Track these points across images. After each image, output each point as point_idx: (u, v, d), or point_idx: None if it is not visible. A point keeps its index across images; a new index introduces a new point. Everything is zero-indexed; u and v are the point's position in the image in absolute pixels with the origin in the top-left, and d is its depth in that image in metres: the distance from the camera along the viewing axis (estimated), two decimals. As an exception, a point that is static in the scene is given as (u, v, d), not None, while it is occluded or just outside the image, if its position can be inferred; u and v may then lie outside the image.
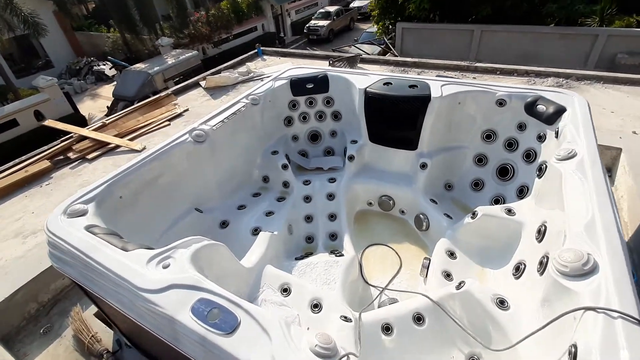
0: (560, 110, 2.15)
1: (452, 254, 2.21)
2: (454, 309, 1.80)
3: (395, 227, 2.75)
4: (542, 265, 1.65)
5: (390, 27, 12.54)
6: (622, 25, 10.27)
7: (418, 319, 1.86)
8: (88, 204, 1.80)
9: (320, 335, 1.08)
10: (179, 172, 2.33)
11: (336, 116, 3.24)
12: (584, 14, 10.04)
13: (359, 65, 5.11)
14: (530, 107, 2.33)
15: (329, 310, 1.76)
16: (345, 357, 1.05)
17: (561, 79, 3.99)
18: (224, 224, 2.56)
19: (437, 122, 2.60)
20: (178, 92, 4.85)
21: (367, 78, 2.93)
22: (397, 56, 10.10)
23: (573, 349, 1.08)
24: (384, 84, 2.76)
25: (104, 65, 15.70)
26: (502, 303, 1.64)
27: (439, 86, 2.60)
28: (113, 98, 11.41)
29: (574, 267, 1.22)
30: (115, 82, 14.40)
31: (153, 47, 15.03)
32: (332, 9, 20.67)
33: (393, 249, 2.56)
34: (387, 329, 1.84)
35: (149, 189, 2.15)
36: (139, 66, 11.47)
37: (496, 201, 2.55)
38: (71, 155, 3.34)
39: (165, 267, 1.40)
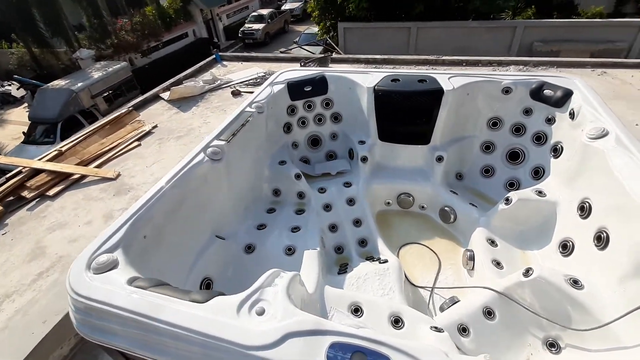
0: (568, 94, 2.31)
1: (493, 242, 2.25)
2: (523, 297, 1.82)
3: (419, 223, 2.73)
4: (602, 240, 1.74)
5: (332, 27, 12.73)
6: (526, 17, 11.77)
7: (489, 313, 1.84)
8: (114, 252, 1.44)
9: None
10: (198, 197, 2.01)
11: (336, 118, 3.12)
12: (503, 9, 11.26)
13: (330, 65, 5.05)
14: (537, 93, 2.47)
15: (412, 323, 1.65)
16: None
17: (520, 66, 4.38)
18: (249, 249, 2.29)
19: (449, 114, 2.63)
20: (138, 108, 4.29)
21: (369, 76, 2.87)
22: (340, 54, 10.26)
23: None
24: (392, 81, 2.72)
25: (10, 85, 13.49)
26: (575, 283, 1.69)
27: (447, 79, 2.63)
28: (30, 122, 9.83)
29: (676, 238, 1.28)
30: (26, 104, 12.46)
31: (70, 60, 13.31)
32: (265, 12, 20.36)
33: (426, 246, 2.53)
34: (463, 330, 1.79)
35: (171, 222, 1.82)
36: (58, 83, 10.03)
37: (511, 185, 2.66)
38: (26, 194, 2.70)
39: (259, 313, 1.17)
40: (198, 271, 1.98)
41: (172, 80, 4.84)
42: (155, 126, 3.83)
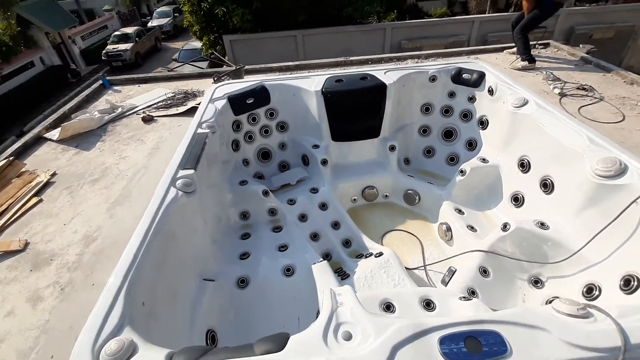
0: (482, 75, 2.76)
1: (460, 211, 2.53)
2: (505, 249, 2.10)
3: (388, 212, 2.88)
4: (548, 187, 2.14)
5: (216, 40, 12.30)
6: (390, 20, 13.62)
7: (484, 271, 2.07)
8: (121, 334, 1.11)
9: (567, 301, 1.10)
10: (179, 240, 1.70)
11: (282, 127, 3.04)
12: (370, 14, 12.69)
13: (245, 76, 4.86)
14: (457, 77, 2.88)
15: (441, 301, 1.73)
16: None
17: (416, 60, 5.03)
18: (242, 282, 2.04)
19: (393, 106, 2.84)
20: (18, 155, 3.37)
21: (311, 80, 2.88)
22: (232, 67, 10.06)
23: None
24: (336, 82, 2.79)
25: None
26: (542, 225, 2.04)
27: (383, 74, 2.85)
28: None
29: (615, 167, 1.67)
30: None
31: None
32: (130, 30, 18.34)
33: (403, 231, 2.69)
34: (472, 292, 1.97)
35: (160, 277, 1.49)
36: None
37: (451, 159, 3.04)
38: None
39: (347, 338, 1.06)
40: (199, 325, 1.67)
41: (54, 116, 3.92)
42: (54, 174, 3.05)
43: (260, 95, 2.86)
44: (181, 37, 22.77)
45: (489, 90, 2.69)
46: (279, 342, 1.07)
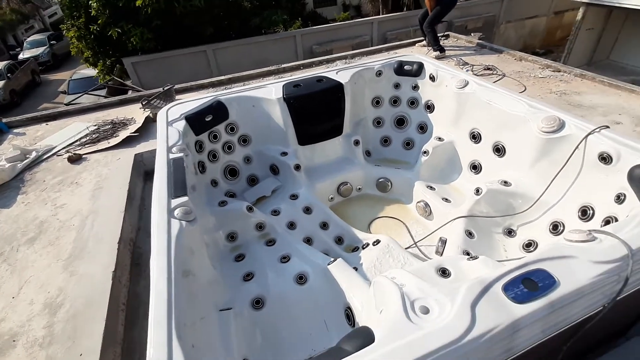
0: (421, 65, 3.08)
1: (431, 187, 2.79)
2: (481, 210, 2.40)
3: (365, 203, 3.01)
4: (500, 151, 2.50)
5: (114, 64, 11.15)
6: (296, 28, 14.07)
7: (470, 234, 2.33)
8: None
9: (576, 231, 1.33)
10: (195, 275, 1.55)
11: (245, 140, 2.95)
12: (277, 23, 12.89)
13: (177, 96, 4.53)
14: (400, 69, 3.15)
15: (453, 266, 1.89)
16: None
17: (343, 60, 5.31)
18: (258, 304, 1.94)
19: (350, 103, 2.99)
20: None
21: (267, 89, 2.86)
22: (141, 90, 9.39)
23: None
24: (294, 87, 2.82)
25: None
26: (505, 183, 2.37)
27: (335, 73, 2.98)
28: None
29: (556, 123, 2.04)
30: None
31: None
32: (-1, 65, 15.46)
33: (386, 217, 2.84)
34: (467, 253, 2.20)
35: (191, 315, 1.35)
36: None
37: (407, 144, 3.32)
38: None
39: (426, 312, 1.12)
40: (236, 356, 1.55)
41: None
42: (-25, 242, 2.46)
43: (218, 110, 2.74)
44: (64, 67, 20.06)
45: (430, 77, 3.01)
46: (366, 335, 1.08)
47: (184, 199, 1.72)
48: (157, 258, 1.37)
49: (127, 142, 3.61)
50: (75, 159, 3.40)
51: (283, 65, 5.11)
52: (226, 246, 2.38)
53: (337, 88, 2.86)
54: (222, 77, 4.91)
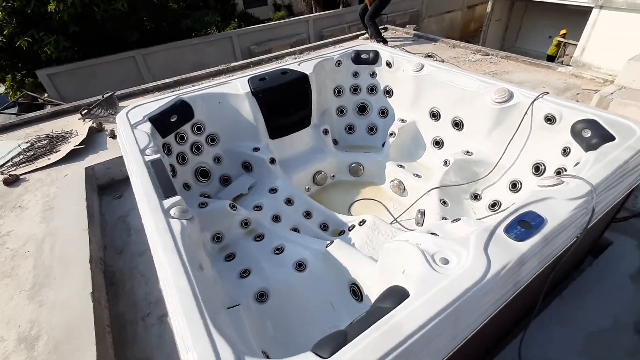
0: (377, 53, 3.25)
1: (401, 166, 2.97)
2: (450, 180, 2.63)
3: (341, 189, 3.10)
4: (459, 125, 2.76)
5: (26, 78, 9.84)
6: (233, 28, 13.73)
7: (444, 202, 2.54)
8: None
9: (547, 178, 1.54)
10: (202, 276, 1.48)
11: (213, 140, 2.86)
12: (210, 24, 12.41)
13: (120, 103, 4.16)
14: (357, 58, 3.29)
15: (442, 231, 2.05)
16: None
17: (292, 56, 5.33)
18: (262, 297, 1.92)
19: (316, 93, 3.05)
20: None
21: (232, 85, 2.80)
22: (60, 104, 8.53)
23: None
24: (260, 80, 2.79)
25: None
26: (468, 153, 2.63)
27: (297, 65, 3.01)
28: None
29: (506, 94, 2.32)
30: None
31: None
32: None
33: (364, 199, 2.96)
34: (445, 219, 2.40)
35: (216, 310, 1.30)
36: None
37: (371, 129, 3.47)
38: None
39: (446, 262, 1.23)
40: (254, 351, 1.53)
41: None
42: None
43: (183, 110, 2.61)
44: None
45: (387, 64, 3.20)
46: (399, 292, 1.15)
47: (177, 198, 1.63)
48: (168, 257, 1.29)
49: (72, 156, 3.25)
50: (12, 181, 2.98)
51: (232, 64, 4.98)
52: (214, 247, 2.29)
53: (302, 79, 2.89)
54: (168, 80, 4.63)
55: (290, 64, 3.02)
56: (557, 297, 2.00)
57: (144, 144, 2.06)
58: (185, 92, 2.67)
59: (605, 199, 1.55)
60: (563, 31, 10.01)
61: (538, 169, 2.27)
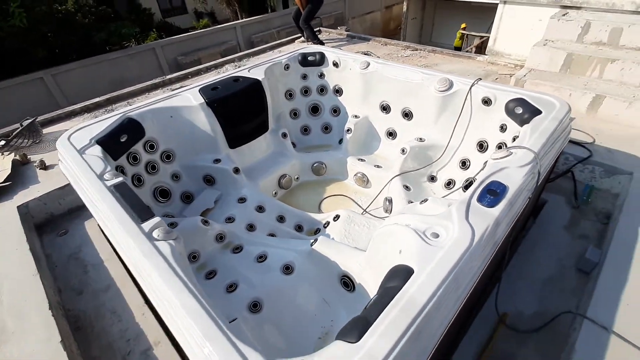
0: (323, 54, 3.36)
1: (361, 160, 3.12)
2: (409, 166, 2.84)
3: (308, 190, 3.15)
4: (408, 115, 2.99)
5: None
6: (153, 40, 12.93)
7: (407, 188, 2.74)
8: None
9: (498, 150, 1.77)
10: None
11: (168, 157, 2.71)
12: (128, 36, 11.52)
13: (43, 129, 3.68)
14: (304, 61, 3.37)
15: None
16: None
17: (232, 63, 5.21)
18: (255, 307, 1.88)
19: (270, 98, 3.05)
20: None
21: (181, 97, 2.68)
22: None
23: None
24: (212, 90, 2.71)
25: None
26: (421, 139, 2.86)
27: (247, 71, 2.99)
28: None
29: (447, 83, 2.58)
30: None
31: None
32: None
33: (331, 196, 3.04)
34: (411, 202, 2.59)
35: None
36: None
37: (325, 128, 3.58)
38: None
39: (436, 237, 1.35)
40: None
41: None
42: None
43: (132, 128, 2.43)
44: None
45: (333, 64, 3.32)
46: (404, 270, 1.24)
47: (156, 219, 1.54)
48: (167, 280, 1.22)
49: (3, 193, 2.83)
50: None
51: (169, 77, 4.71)
52: (193, 267, 2.18)
53: (256, 85, 2.88)
54: (98, 99, 4.22)
55: (239, 71, 2.99)
56: (515, 254, 2.29)
57: (100, 169, 1.88)
58: (132, 110, 2.49)
59: (545, 163, 1.83)
60: (463, 25, 11.31)
61: (482, 146, 2.57)
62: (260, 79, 2.91)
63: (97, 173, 1.84)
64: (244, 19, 12.69)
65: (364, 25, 16.05)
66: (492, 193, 1.51)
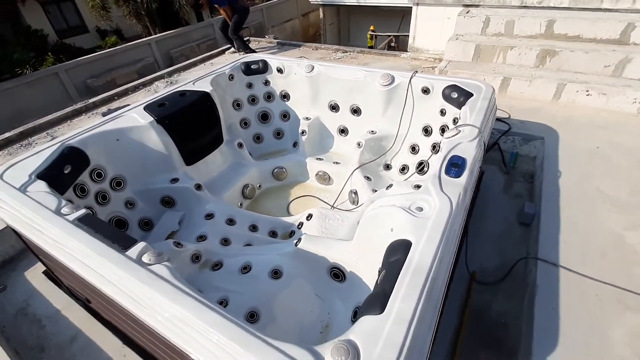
0: (265, 62, 3.40)
1: (320, 159, 3.23)
2: (367, 158, 3.03)
3: (272, 195, 3.15)
4: (357, 111, 3.19)
5: None
6: (50, 64, 11.53)
7: (368, 178, 2.92)
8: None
9: (448, 130, 2.01)
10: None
11: (119, 183, 2.51)
12: (23, 62, 10.05)
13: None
14: (248, 70, 3.37)
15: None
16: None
17: (162, 80, 4.91)
18: (253, 317, 1.86)
19: (221, 110, 3.00)
20: None
21: (125, 118, 2.50)
22: None
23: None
24: (159, 106, 2.58)
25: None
26: (372, 132, 3.07)
27: (192, 84, 2.90)
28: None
29: (389, 78, 2.82)
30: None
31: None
32: None
33: (296, 198, 3.09)
34: (375, 190, 2.77)
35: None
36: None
37: (277, 134, 3.62)
38: None
39: (421, 209, 1.51)
40: None
41: None
42: None
43: (75, 158, 2.20)
44: None
45: (278, 70, 3.38)
46: (403, 243, 1.37)
47: (141, 244, 1.44)
48: (178, 302, 1.16)
49: None
50: None
51: (91, 100, 4.28)
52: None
53: (205, 97, 2.80)
54: (9, 134, 3.63)
55: (180, 86, 2.88)
56: (471, 218, 2.60)
57: (54, 205, 1.68)
58: (72, 137, 2.25)
59: (484, 137, 2.13)
60: (372, 27, 12.32)
61: (427, 131, 2.86)
62: (208, 91, 2.84)
63: (53, 209, 1.64)
64: (159, 34, 11.98)
65: (284, 33, 16.33)
66: (455, 166, 1.72)
